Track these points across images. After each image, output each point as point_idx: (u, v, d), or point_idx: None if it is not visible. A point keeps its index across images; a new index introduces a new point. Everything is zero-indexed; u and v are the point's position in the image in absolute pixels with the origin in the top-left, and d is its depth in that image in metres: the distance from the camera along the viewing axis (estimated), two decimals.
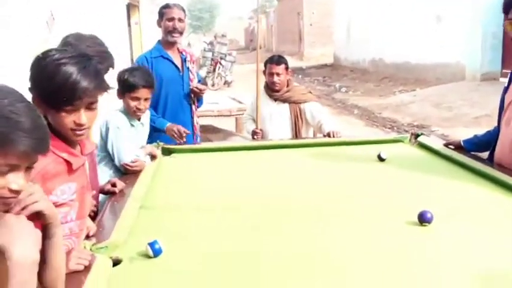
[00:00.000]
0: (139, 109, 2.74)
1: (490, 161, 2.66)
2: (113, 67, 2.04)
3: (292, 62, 24.15)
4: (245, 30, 47.44)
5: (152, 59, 3.52)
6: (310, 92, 3.98)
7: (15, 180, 1.05)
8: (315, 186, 2.50)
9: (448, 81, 11.50)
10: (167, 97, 3.53)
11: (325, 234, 1.89)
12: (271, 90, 3.74)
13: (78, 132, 1.47)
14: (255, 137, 3.70)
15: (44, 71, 1.42)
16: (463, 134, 7.62)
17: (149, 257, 1.65)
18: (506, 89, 2.62)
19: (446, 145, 3.01)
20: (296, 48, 27.45)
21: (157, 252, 1.65)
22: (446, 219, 1.96)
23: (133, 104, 2.72)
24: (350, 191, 2.43)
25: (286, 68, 3.75)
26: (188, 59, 3.65)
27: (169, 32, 3.51)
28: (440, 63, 12.40)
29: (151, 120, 3.15)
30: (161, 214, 2.13)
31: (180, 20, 3.53)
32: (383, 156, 2.86)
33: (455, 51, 11.72)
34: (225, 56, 15.78)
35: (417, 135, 3.35)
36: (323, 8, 24.88)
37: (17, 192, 1.06)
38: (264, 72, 3.78)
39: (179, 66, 3.59)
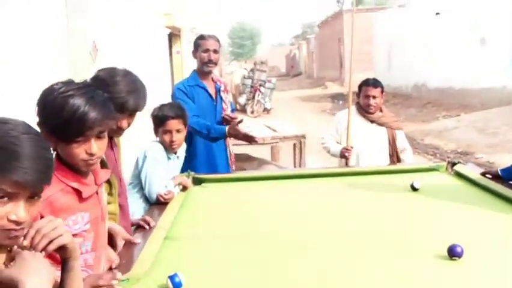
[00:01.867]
0: (173, 141, 2.79)
1: None
2: (142, 107, 2.04)
3: (333, 88, 24.19)
4: (286, 57, 47.82)
5: (189, 87, 3.59)
6: None
7: (15, 210, 1.06)
8: (346, 218, 2.45)
9: (493, 106, 11.18)
10: None
11: (353, 267, 1.84)
12: (365, 111, 3.75)
13: (90, 162, 1.49)
14: (346, 154, 3.61)
15: (51, 105, 1.44)
16: (508, 160, 7.36)
17: None
18: None
19: (483, 174, 2.91)
20: (337, 74, 27.38)
21: (177, 286, 1.64)
22: (477, 252, 1.88)
23: (166, 137, 2.78)
24: (380, 222, 2.36)
25: (382, 91, 3.79)
26: (222, 88, 3.72)
27: (204, 63, 3.58)
28: (484, 88, 12.09)
29: (208, 131, 3.36)
30: (185, 245, 2.12)
31: (215, 51, 3.60)
32: (416, 185, 2.79)
33: (500, 76, 11.42)
34: (264, 83, 15.90)
35: (453, 164, 3.25)
36: (363, 33, 24.83)
37: (17, 223, 1.07)
38: (358, 94, 3.83)
39: (213, 95, 3.65)
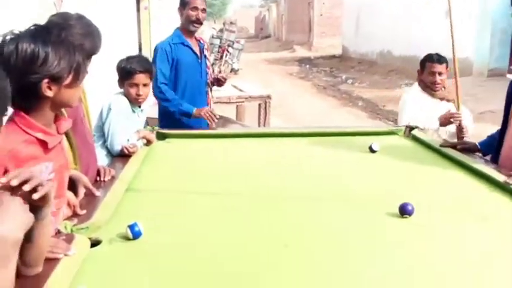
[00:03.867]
0: (138, 95, 2.78)
1: (494, 162, 2.59)
2: (98, 49, 2.04)
3: (301, 52, 24.16)
4: (255, 19, 47.23)
5: (174, 45, 3.56)
6: None
7: None
8: (305, 175, 2.52)
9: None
10: (186, 83, 3.59)
11: (309, 221, 1.91)
12: (431, 89, 3.56)
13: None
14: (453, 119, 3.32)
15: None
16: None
17: (129, 239, 1.67)
18: None
19: (443, 146, 2.89)
20: (305, 39, 27.32)
21: (136, 235, 1.68)
22: (427, 212, 1.97)
23: (132, 91, 2.77)
24: (337, 180, 2.45)
25: (447, 67, 3.61)
26: (205, 47, 3.73)
27: (191, 21, 3.55)
28: (448, 59, 12.30)
29: (179, 104, 3.40)
30: (146, 197, 2.15)
31: (203, 10, 3.58)
32: (374, 147, 2.87)
33: (463, 47, 11.62)
34: (233, 43, 15.72)
35: (411, 128, 3.35)
36: None
37: None
38: (420, 71, 3.64)
39: (198, 53, 3.66)
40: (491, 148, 2.72)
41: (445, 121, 3.38)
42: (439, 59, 3.55)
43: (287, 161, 2.80)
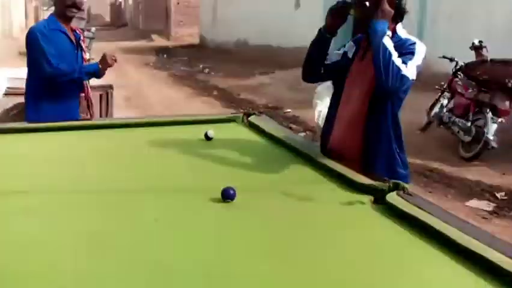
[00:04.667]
0: None
1: (323, 143, 2.68)
2: None
3: (158, 41, 23.72)
4: (111, 6, 45.44)
5: (50, 30, 3.29)
6: None
7: None
8: (132, 166, 2.46)
9: None
10: None
11: (135, 212, 1.85)
12: None
13: None
14: None
15: None
16: (312, 115, 8.03)
17: None
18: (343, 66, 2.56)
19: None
20: (163, 27, 26.91)
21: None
22: (251, 196, 2.02)
23: None
24: (167, 169, 2.41)
25: None
26: (81, 38, 3.51)
27: (67, 6, 3.28)
28: (297, 47, 12.90)
29: (83, 69, 3.36)
30: None
31: None
32: (209, 135, 2.88)
33: (311, 37, 12.28)
34: (83, 31, 14.95)
35: (249, 115, 3.42)
36: None
37: None
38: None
39: (75, 42, 3.43)
40: None
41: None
42: None
43: (119, 152, 2.71)
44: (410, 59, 2.27)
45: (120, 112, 5.27)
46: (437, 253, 1.56)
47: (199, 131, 3.02)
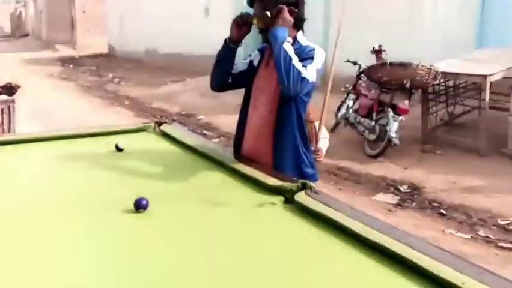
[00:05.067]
0: None
1: (235, 149, 2.74)
2: None
3: (64, 51, 22.84)
4: (11, 16, 43.08)
5: None
6: None
7: None
8: (44, 182, 2.37)
9: None
10: None
11: (37, 231, 1.79)
12: None
13: None
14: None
15: None
16: (227, 120, 8.12)
17: None
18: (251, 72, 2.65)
19: None
20: (69, 37, 25.95)
21: None
22: (164, 205, 2.03)
23: None
24: (77, 183, 2.36)
25: None
26: None
27: None
28: (207, 55, 12.97)
29: None
30: None
31: None
32: (120, 146, 2.84)
33: (219, 45, 12.39)
34: None
35: (160, 124, 3.41)
36: None
37: None
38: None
39: None
40: None
41: None
42: None
43: (25, 168, 2.60)
44: (310, 63, 2.39)
45: (24, 127, 5.04)
46: (344, 246, 1.66)
47: (109, 143, 2.97)
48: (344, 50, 8.19)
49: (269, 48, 2.59)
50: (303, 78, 2.33)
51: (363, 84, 7.10)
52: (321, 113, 2.96)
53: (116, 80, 14.11)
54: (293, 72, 2.30)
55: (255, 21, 2.51)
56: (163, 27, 15.32)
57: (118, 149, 2.84)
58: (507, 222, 4.72)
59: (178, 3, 14.47)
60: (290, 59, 2.33)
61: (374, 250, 1.60)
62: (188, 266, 1.56)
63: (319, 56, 2.45)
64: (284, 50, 2.34)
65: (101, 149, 2.89)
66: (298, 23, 2.51)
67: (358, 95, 7.20)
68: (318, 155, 2.89)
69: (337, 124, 7.34)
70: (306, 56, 2.42)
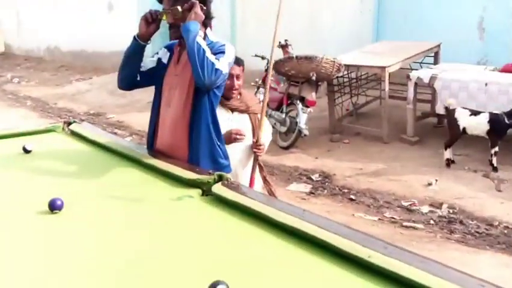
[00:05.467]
0: None
1: (149, 146, 2.74)
2: None
3: None
4: None
5: None
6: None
7: None
8: None
9: None
10: None
11: None
12: (224, 97, 2.91)
13: None
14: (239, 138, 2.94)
15: None
16: (137, 118, 7.99)
17: None
18: (159, 71, 2.67)
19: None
20: None
21: None
22: (79, 205, 2.00)
23: None
24: None
25: (243, 70, 3.05)
26: None
27: None
28: (114, 51, 12.64)
29: None
30: None
31: None
32: (27, 148, 2.74)
33: (128, 39, 12.10)
34: None
35: (69, 123, 3.32)
36: None
37: None
38: None
39: None
40: None
41: (229, 142, 2.91)
42: (238, 59, 2.94)
43: None
44: (222, 56, 2.45)
45: None
46: (260, 231, 1.74)
47: (16, 145, 2.86)
48: (251, 45, 8.35)
49: (179, 45, 2.61)
50: (217, 69, 2.39)
51: (273, 78, 7.27)
52: (262, 107, 3.05)
53: (16, 80, 13.33)
54: (207, 64, 2.35)
55: (164, 17, 2.52)
56: (64, 24, 14.70)
57: (26, 151, 2.74)
58: (410, 203, 5.08)
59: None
60: (204, 51, 2.37)
61: (289, 234, 1.69)
62: (108, 263, 1.56)
63: (230, 51, 2.52)
64: (197, 42, 2.38)
65: (9, 151, 2.77)
66: (207, 20, 2.55)
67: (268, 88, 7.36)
68: (259, 149, 3.00)
69: None
70: (217, 51, 2.47)
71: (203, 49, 2.38)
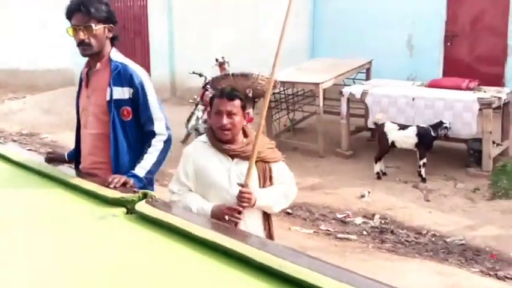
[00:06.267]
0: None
1: (76, 166, 2.77)
2: None
3: None
4: None
5: None
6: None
7: None
8: None
9: (58, 87, 11.54)
10: None
11: None
12: (218, 139, 2.49)
13: None
14: (227, 217, 2.30)
15: None
16: (71, 138, 7.78)
17: None
18: (78, 94, 2.77)
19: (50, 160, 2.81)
20: None
21: None
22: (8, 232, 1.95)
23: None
24: None
25: (243, 107, 2.51)
26: None
27: None
28: (49, 70, 12.33)
29: None
30: None
31: None
32: None
33: (63, 57, 11.83)
34: None
35: None
36: None
37: None
38: (209, 112, 2.59)
39: None
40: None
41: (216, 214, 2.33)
42: (230, 93, 2.51)
43: None
44: (159, 115, 2.63)
45: None
46: (182, 247, 1.75)
47: None
48: (190, 63, 8.36)
49: (86, 67, 2.69)
50: (166, 126, 2.64)
51: (210, 95, 7.30)
52: (255, 143, 2.42)
53: None
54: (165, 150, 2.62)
55: (71, 34, 2.54)
56: (29, 42, 14.21)
57: None
58: (344, 215, 5.22)
59: (9, 16, 13.50)
60: (160, 163, 2.59)
61: (211, 249, 1.71)
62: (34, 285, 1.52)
63: (151, 87, 2.62)
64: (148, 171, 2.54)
65: None
66: (114, 40, 2.62)
67: (206, 105, 7.38)
68: (243, 199, 2.34)
69: (188, 135, 7.46)
70: (142, 98, 2.57)
71: (157, 165, 2.56)
